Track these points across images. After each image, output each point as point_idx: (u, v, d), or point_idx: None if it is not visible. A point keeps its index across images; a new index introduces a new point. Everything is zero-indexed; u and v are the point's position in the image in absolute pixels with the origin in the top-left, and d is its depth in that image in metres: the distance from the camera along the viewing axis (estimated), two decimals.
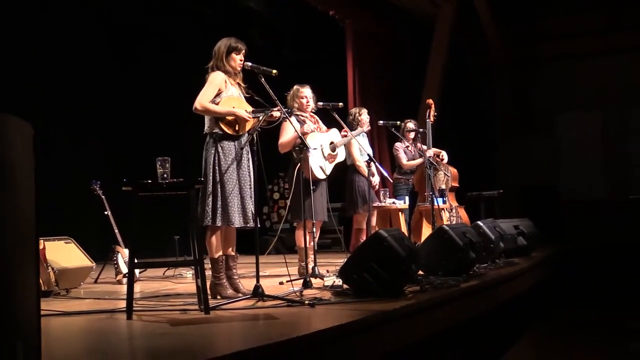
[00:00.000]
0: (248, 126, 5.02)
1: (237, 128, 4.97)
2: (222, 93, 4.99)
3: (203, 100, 4.94)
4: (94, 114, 9.53)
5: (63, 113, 8.94)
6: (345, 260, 4.88)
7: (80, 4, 9.18)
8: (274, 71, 4.93)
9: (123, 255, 6.74)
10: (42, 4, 8.67)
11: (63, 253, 5.92)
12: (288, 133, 6.25)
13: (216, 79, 5.01)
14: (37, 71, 8.56)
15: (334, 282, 5.23)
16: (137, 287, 6.05)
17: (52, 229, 6.21)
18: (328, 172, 6.53)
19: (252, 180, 5.01)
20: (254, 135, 4.82)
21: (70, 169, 8.82)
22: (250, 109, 5.01)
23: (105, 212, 6.88)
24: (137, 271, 6.72)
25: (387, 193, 7.73)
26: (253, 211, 4.97)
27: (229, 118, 4.94)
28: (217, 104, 4.95)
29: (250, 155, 5.03)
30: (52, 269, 5.57)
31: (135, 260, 4.31)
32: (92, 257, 6.28)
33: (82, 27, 9.35)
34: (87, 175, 7.33)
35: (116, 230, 6.87)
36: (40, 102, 8.34)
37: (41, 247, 5.54)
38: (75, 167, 8.94)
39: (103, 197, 6.94)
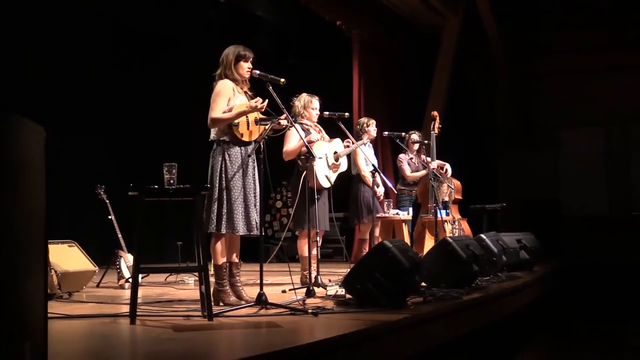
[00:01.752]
0: (256, 133, 5.02)
1: (245, 134, 4.97)
2: (231, 101, 4.99)
3: (216, 113, 4.93)
4: (100, 117, 9.55)
5: (68, 116, 8.95)
6: (349, 270, 4.88)
7: (87, 6, 9.19)
8: (282, 80, 4.92)
9: (126, 260, 6.75)
10: (48, 5, 8.69)
11: (66, 256, 5.93)
12: (293, 141, 6.26)
13: (224, 89, 5.00)
14: (44, 73, 8.59)
15: (337, 291, 5.22)
16: (140, 293, 6.02)
17: (55, 232, 6.22)
18: (332, 182, 6.54)
19: (258, 188, 5.00)
20: (261, 144, 4.81)
21: (75, 172, 8.83)
22: (259, 116, 5.01)
23: (109, 217, 6.89)
24: (140, 276, 6.71)
25: (391, 204, 7.74)
26: (257, 220, 4.97)
27: (242, 122, 4.93)
28: (230, 111, 4.94)
29: (256, 164, 5.00)
30: (55, 272, 5.58)
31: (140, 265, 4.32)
32: (95, 261, 6.29)
33: (88, 30, 9.37)
34: (91, 180, 7.34)
35: (119, 235, 6.88)
36: (46, 104, 8.36)
37: None
38: (80, 171, 8.95)
39: (107, 201, 6.96)
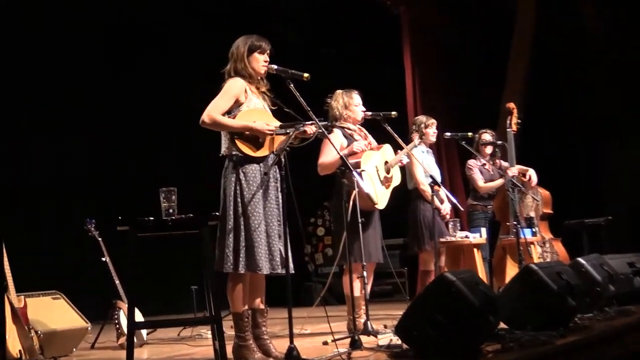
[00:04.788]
0: (275, 144, 4.99)
1: (257, 147, 4.94)
2: (243, 105, 4.98)
3: (213, 111, 4.93)
4: (88, 129, 9.77)
5: (50, 131, 9.17)
6: (403, 312, 4.83)
7: (76, 7, 9.42)
8: (306, 75, 4.91)
9: (126, 312, 6.77)
10: (37, 5, 8.93)
11: (50, 312, 5.97)
12: (330, 151, 6.20)
13: (233, 87, 5.00)
14: (31, 86, 8.87)
15: (391, 340, 5.18)
16: (145, 353, 6.09)
17: (37, 282, 6.28)
18: (385, 200, 6.49)
19: (282, 213, 4.94)
20: (282, 157, 4.77)
21: (56, 205, 8.96)
22: (277, 124, 4.99)
23: (103, 259, 6.91)
24: (144, 332, 6.74)
25: (458, 224, 7.66)
26: (283, 253, 4.93)
27: (246, 134, 4.92)
28: (234, 117, 4.93)
29: (279, 183, 4.97)
30: (36, 332, 5.60)
31: (139, 319, 4.31)
32: (87, 315, 6.31)
33: (78, 35, 9.62)
34: (79, 213, 7.42)
35: (117, 281, 6.88)
36: (29, 124, 8.61)
37: (21, 304, 5.58)
38: (62, 202, 9.07)
39: (99, 239, 6.99)
